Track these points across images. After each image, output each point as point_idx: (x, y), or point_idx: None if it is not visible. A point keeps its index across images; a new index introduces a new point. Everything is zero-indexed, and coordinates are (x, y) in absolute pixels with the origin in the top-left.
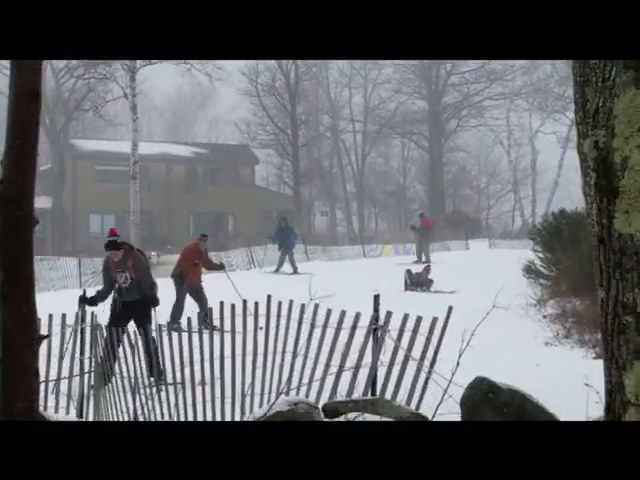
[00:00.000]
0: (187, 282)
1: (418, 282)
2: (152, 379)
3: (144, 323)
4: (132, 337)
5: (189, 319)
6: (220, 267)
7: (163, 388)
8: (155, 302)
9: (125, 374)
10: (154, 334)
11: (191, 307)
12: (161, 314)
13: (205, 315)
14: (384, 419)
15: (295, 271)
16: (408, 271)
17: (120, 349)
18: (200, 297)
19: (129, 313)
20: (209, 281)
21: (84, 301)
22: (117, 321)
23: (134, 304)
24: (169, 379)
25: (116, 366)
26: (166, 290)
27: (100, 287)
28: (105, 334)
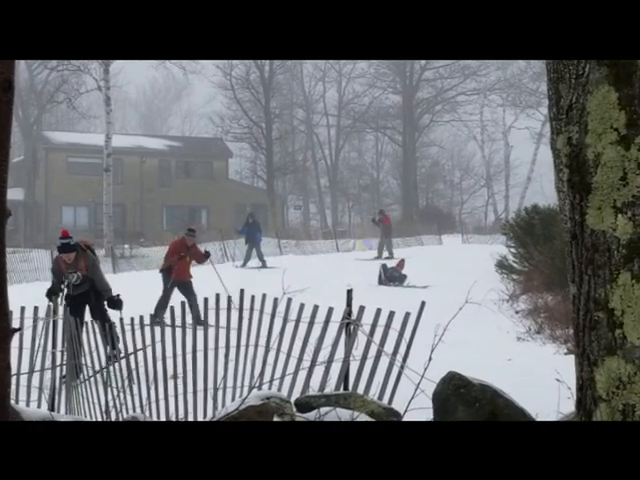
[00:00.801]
0: (175, 277)
1: (392, 277)
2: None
3: (99, 315)
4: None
5: (151, 315)
6: (207, 255)
7: (135, 381)
8: (118, 306)
9: (97, 367)
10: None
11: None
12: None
13: (197, 312)
14: (356, 414)
15: (264, 265)
16: (383, 266)
17: (86, 342)
18: (188, 293)
19: (82, 304)
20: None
21: (52, 293)
22: (72, 314)
23: (83, 295)
24: (141, 373)
25: (88, 359)
26: (142, 284)
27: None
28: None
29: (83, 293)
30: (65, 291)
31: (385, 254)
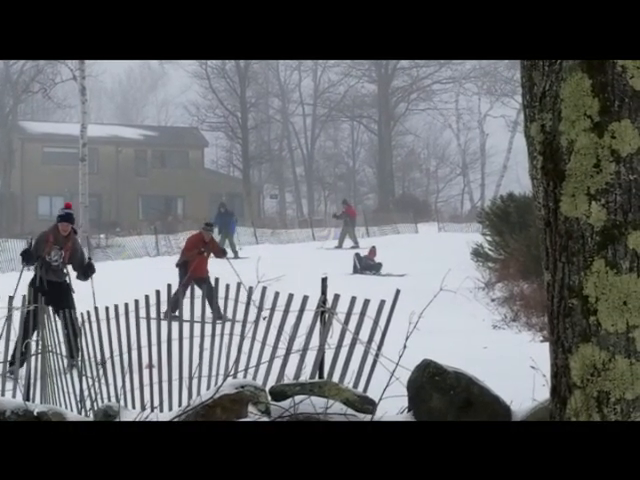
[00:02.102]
0: (192, 272)
1: (368, 265)
2: (73, 361)
3: (64, 305)
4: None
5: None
6: (225, 253)
7: (110, 370)
8: (90, 269)
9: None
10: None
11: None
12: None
13: (217, 307)
14: (331, 402)
15: (236, 256)
16: (357, 254)
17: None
18: (207, 288)
19: (50, 293)
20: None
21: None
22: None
23: (57, 285)
24: (116, 362)
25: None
26: (118, 274)
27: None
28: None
29: (54, 283)
30: (37, 272)
31: (349, 244)
